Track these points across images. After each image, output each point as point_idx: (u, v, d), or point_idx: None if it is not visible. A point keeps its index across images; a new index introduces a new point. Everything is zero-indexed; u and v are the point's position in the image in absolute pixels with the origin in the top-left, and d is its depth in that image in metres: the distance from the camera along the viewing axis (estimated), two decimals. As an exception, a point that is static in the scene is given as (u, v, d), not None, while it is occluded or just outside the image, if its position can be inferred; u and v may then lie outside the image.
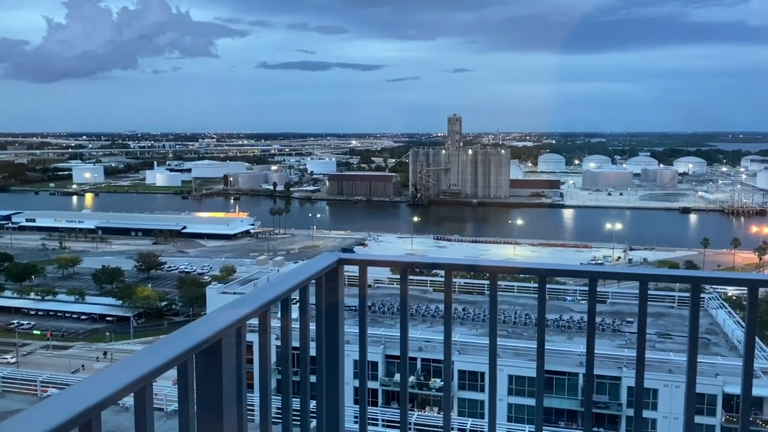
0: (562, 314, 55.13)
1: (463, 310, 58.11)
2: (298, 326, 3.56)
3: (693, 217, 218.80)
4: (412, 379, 48.67)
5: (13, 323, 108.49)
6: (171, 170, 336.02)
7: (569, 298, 61.23)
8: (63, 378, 47.15)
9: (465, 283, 63.55)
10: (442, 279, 4.03)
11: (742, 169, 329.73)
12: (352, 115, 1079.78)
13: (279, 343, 3.38)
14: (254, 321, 3.01)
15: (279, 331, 3.37)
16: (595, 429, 44.63)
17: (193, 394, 2.49)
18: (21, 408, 1.90)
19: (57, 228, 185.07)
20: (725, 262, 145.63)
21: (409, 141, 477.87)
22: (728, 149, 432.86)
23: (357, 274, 3.98)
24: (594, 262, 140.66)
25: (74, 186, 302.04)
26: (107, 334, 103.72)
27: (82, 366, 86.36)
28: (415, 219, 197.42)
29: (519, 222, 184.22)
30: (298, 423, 3.56)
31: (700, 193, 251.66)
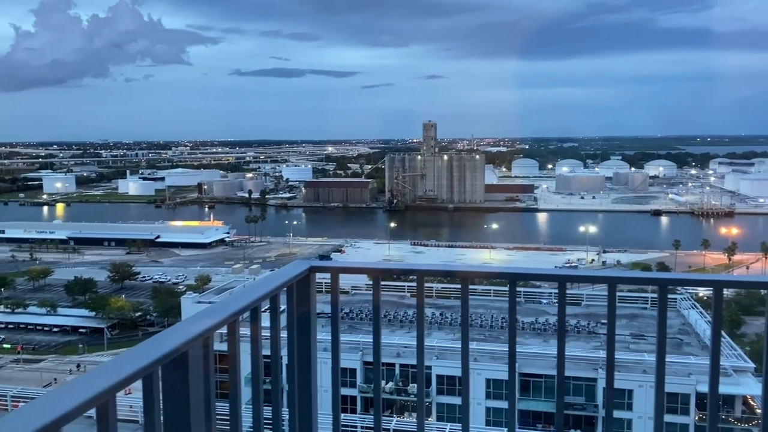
0: (537, 317, 55.57)
1: (441, 314, 58.34)
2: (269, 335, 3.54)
3: (664, 219, 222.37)
4: (390, 385, 48.63)
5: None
6: (144, 179, 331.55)
7: (544, 300, 61.63)
8: (34, 392, 46.26)
9: (442, 288, 63.80)
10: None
11: (711, 172, 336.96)
12: (328, 121, 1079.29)
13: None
14: (225, 330, 2.97)
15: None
16: (571, 431, 44.99)
17: (159, 405, 2.42)
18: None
19: (27, 239, 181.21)
20: (696, 263, 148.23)
21: (385, 147, 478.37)
22: (697, 152, 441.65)
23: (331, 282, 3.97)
24: (568, 264, 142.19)
25: (45, 196, 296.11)
26: (80, 346, 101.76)
27: (55, 379, 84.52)
28: (392, 225, 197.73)
29: (494, 226, 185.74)
30: None
31: (670, 196, 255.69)
